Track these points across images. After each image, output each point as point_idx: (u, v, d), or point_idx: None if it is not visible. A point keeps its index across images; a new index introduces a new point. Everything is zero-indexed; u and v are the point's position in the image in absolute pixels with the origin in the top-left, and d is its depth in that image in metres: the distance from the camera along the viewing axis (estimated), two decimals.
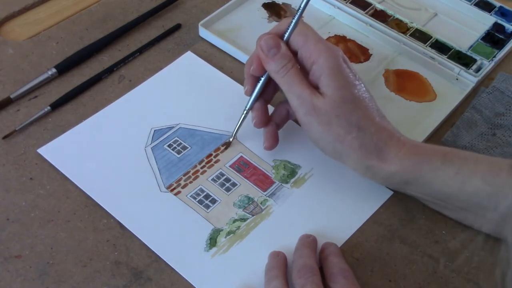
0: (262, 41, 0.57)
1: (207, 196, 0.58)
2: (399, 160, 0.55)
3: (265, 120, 0.60)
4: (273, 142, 0.61)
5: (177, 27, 0.73)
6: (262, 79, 0.60)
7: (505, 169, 0.53)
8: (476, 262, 0.56)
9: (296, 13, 0.57)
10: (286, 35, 0.58)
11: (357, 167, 0.57)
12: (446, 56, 0.71)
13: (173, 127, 0.63)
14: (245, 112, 0.61)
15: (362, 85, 0.58)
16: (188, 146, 0.62)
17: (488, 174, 0.53)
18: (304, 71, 0.57)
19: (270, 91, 0.61)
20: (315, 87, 0.56)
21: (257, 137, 0.63)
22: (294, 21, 0.57)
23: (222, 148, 0.62)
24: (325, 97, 0.55)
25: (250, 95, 0.61)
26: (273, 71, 0.57)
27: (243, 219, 0.57)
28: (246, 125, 0.62)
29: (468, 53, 0.72)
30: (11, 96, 0.64)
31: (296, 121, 0.62)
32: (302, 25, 0.58)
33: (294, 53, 0.58)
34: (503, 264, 0.42)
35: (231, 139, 0.62)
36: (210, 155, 0.61)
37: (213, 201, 0.58)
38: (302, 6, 0.56)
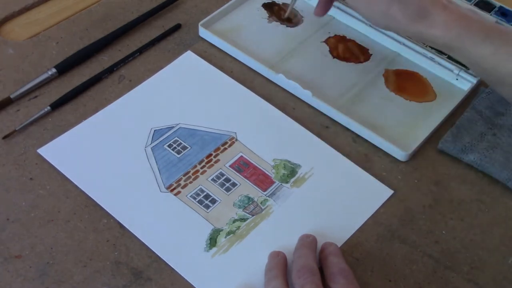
0: None
1: (207, 196, 0.58)
2: (444, 27, 0.56)
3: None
4: (321, 10, 0.65)
5: (177, 27, 0.73)
6: None
7: None
8: (476, 262, 0.56)
9: None
10: None
11: (406, 34, 0.61)
12: (446, 56, 0.71)
13: (173, 127, 0.63)
14: None
15: None
16: (188, 146, 0.62)
17: None
18: None
19: None
20: None
21: (257, 137, 0.63)
22: None
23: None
24: None
25: None
26: None
27: (243, 219, 0.57)
28: (247, 125, 0.62)
29: None
30: (11, 96, 0.64)
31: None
32: None
33: None
34: None
35: (286, 15, 0.67)
36: (210, 155, 0.61)
37: (213, 201, 0.58)
38: None
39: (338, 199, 0.59)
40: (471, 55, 0.56)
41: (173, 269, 0.53)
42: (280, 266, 0.52)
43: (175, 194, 0.58)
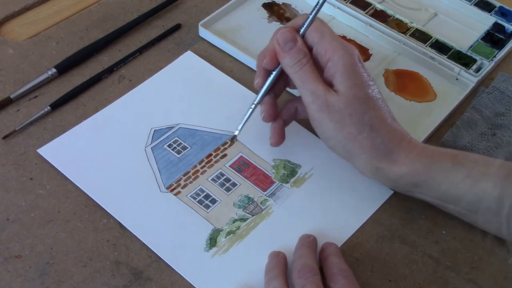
0: (279, 34, 0.57)
1: (207, 196, 0.58)
2: (409, 162, 0.55)
3: (274, 114, 0.60)
4: (279, 139, 0.60)
5: (177, 27, 0.73)
6: (274, 73, 0.59)
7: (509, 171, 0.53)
8: (476, 262, 0.56)
9: (314, 9, 0.56)
10: (302, 30, 0.57)
11: (366, 168, 0.56)
12: (446, 56, 0.71)
13: (173, 127, 0.63)
14: (253, 105, 0.60)
15: (376, 86, 0.57)
16: (188, 146, 0.62)
17: (496, 177, 0.53)
18: (318, 68, 0.57)
19: (280, 85, 0.61)
20: (329, 84, 0.56)
21: (257, 137, 0.63)
22: (311, 16, 0.57)
23: (229, 142, 0.62)
24: (339, 95, 0.55)
25: (261, 88, 0.60)
26: (287, 65, 0.57)
27: (243, 219, 0.57)
28: (247, 125, 0.62)
29: (468, 53, 0.72)
30: (11, 96, 0.64)
31: (304, 120, 0.62)
32: (318, 22, 0.57)
33: (309, 49, 0.57)
34: None
35: (236, 133, 0.61)
36: (210, 155, 0.61)
37: (213, 201, 0.58)
38: (320, 1, 0.56)
39: (338, 199, 0.59)
40: (441, 185, 0.54)
41: (173, 269, 0.53)
42: (280, 266, 0.52)
43: (175, 194, 0.58)
